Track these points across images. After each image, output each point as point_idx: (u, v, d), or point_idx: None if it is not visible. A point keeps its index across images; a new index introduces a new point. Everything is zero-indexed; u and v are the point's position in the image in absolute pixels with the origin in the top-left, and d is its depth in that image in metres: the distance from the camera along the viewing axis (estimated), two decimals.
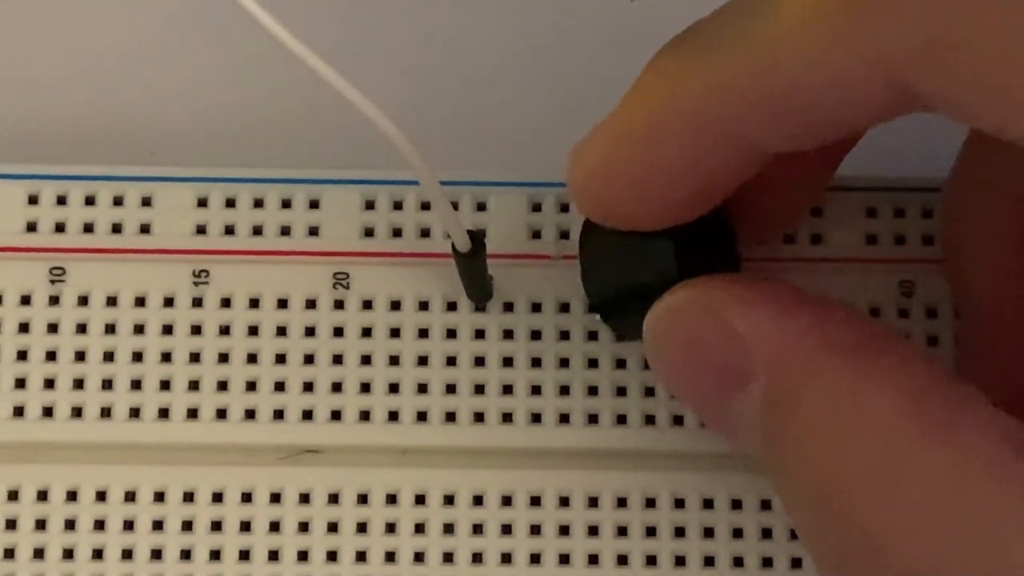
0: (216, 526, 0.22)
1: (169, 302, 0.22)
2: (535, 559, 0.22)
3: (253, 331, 0.22)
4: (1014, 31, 0.15)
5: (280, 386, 0.22)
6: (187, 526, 0.21)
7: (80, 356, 0.22)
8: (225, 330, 0.22)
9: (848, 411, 0.17)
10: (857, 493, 0.17)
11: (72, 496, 0.22)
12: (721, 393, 0.19)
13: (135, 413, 0.22)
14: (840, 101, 0.17)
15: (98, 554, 0.21)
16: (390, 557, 0.21)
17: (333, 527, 0.22)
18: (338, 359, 0.22)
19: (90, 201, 0.22)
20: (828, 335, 0.18)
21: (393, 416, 0.22)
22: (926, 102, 0.16)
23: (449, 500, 0.22)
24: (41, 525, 0.21)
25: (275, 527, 0.22)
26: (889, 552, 0.17)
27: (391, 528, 0.22)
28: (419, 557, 0.21)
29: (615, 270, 0.21)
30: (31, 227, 0.22)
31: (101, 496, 0.22)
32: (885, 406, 0.17)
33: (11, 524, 0.21)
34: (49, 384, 0.22)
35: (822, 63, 0.17)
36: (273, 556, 0.21)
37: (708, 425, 0.21)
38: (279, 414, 0.22)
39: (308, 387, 0.22)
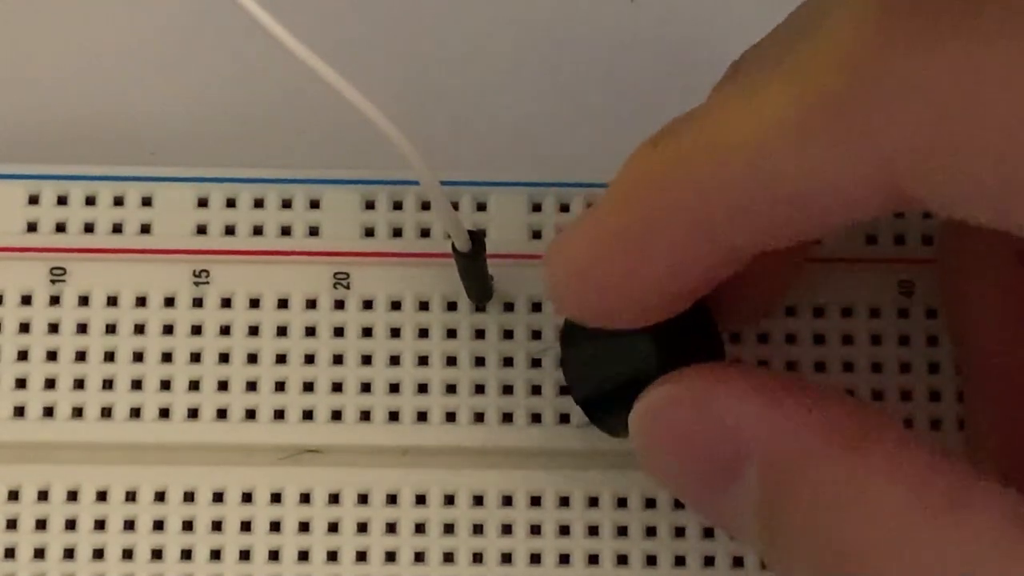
0: (216, 526, 0.22)
1: (169, 302, 0.22)
2: (535, 559, 0.22)
3: (253, 331, 0.22)
4: (1015, 134, 0.15)
5: (280, 386, 0.22)
6: (187, 526, 0.21)
7: (81, 356, 0.22)
8: (225, 330, 0.22)
9: (849, 501, 0.17)
10: None
11: (72, 496, 0.22)
12: (713, 486, 0.19)
13: (135, 413, 0.22)
14: (833, 205, 0.17)
15: (98, 554, 0.21)
16: (390, 557, 0.21)
17: (333, 527, 0.22)
18: (338, 359, 0.22)
19: (90, 201, 0.22)
20: (821, 424, 0.18)
21: (393, 416, 0.22)
22: (919, 203, 0.16)
23: (449, 500, 0.22)
24: (41, 525, 0.21)
25: (275, 527, 0.22)
26: None
27: (391, 528, 0.22)
28: (419, 557, 0.21)
29: (596, 368, 0.20)
30: (31, 227, 0.22)
31: (101, 496, 0.22)
32: (886, 494, 0.17)
33: (11, 524, 0.21)
34: (49, 384, 0.22)
35: (814, 168, 0.16)
36: (273, 556, 0.21)
37: (703, 516, 0.21)
38: (279, 414, 0.22)
39: (308, 387, 0.22)
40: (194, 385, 0.22)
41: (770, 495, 0.18)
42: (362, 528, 0.22)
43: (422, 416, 0.22)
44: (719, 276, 0.18)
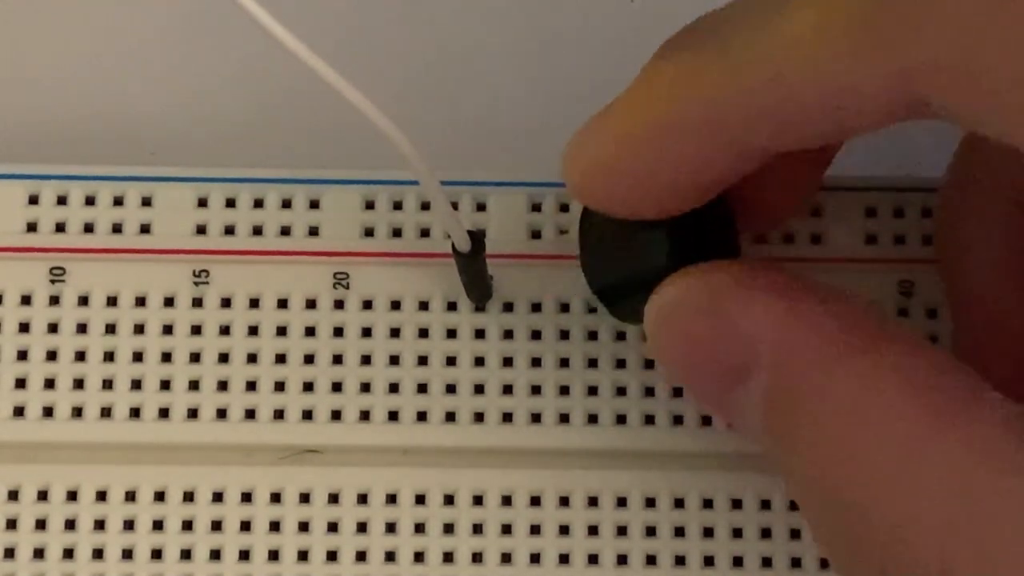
0: (216, 526, 0.22)
1: (169, 302, 0.22)
2: (535, 559, 0.22)
3: (253, 331, 0.22)
4: None
5: (280, 386, 0.22)
6: (187, 526, 0.21)
7: (80, 356, 0.22)
8: (225, 330, 0.22)
9: (857, 406, 0.17)
10: (872, 486, 0.17)
11: (72, 496, 0.22)
12: (723, 385, 0.19)
13: (135, 413, 0.22)
14: (851, 111, 0.17)
15: (98, 554, 0.21)
16: (390, 557, 0.21)
17: (333, 527, 0.22)
18: (338, 359, 0.22)
19: (90, 201, 0.22)
20: (832, 329, 0.18)
21: (393, 416, 0.22)
22: (938, 113, 0.16)
23: (449, 500, 0.22)
24: (41, 525, 0.21)
25: (275, 527, 0.22)
26: (903, 543, 0.17)
27: (391, 528, 0.22)
28: (419, 557, 0.21)
29: (612, 257, 0.21)
30: (31, 227, 0.22)
31: (101, 496, 0.22)
32: (895, 401, 0.17)
33: (11, 524, 0.21)
34: (49, 384, 0.22)
35: (835, 74, 0.17)
36: (273, 556, 0.21)
37: (711, 413, 0.21)
38: (279, 414, 0.22)
39: (308, 387, 0.22)
40: (194, 385, 0.22)
41: (779, 396, 0.18)
42: (362, 528, 0.22)
43: (422, 416, 0.22)
44: (741, 171, 0.19)
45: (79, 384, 0.22)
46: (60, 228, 0.22)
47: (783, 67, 0.17)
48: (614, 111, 0.19)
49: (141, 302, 0.22)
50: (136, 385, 0.22)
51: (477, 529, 0.22)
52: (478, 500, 0.22)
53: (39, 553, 0.21)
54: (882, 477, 0.17)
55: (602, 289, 0.21)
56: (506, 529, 0.22)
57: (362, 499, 0.22)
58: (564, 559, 0.22)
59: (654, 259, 0.20)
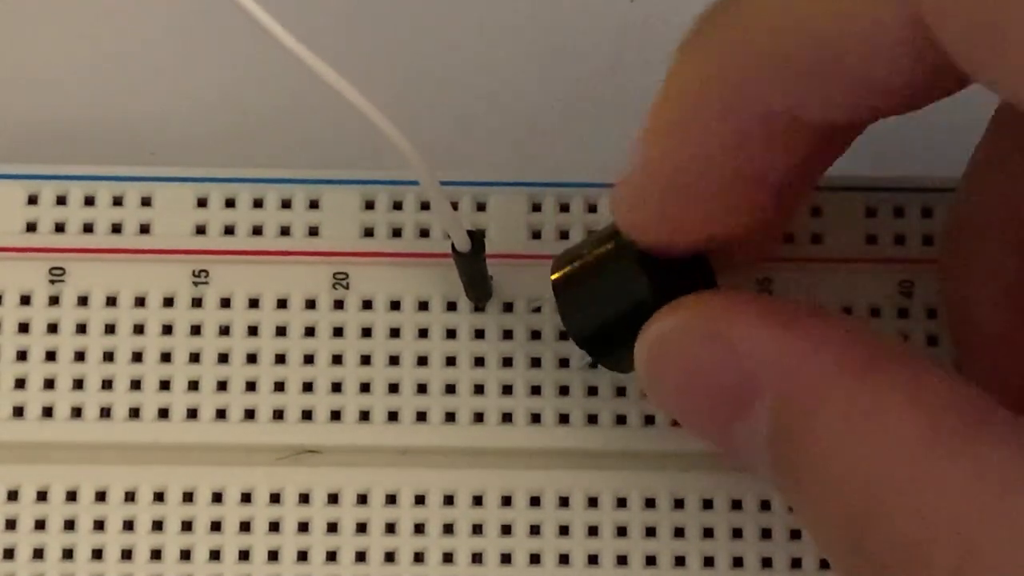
0: (216, 526, 0.22)
1: (169, 302, 0.22)
2: (535, 559, 0.22)
3: (253, 331, 0.22)
4: None
5: (280, 386, 0.22)
6: (187, 526, 0.21)
7: (80, 356, 0.22)
8: (225, 330, 0.22)
9: (866, 430, 0.17)
10: (884, 513, 0.17)
11: (72, 496, 0.22)
12: (725, 418, 0.18)
13: (135, 413, 0.22)
14: (864, 55, 0.17)
15: (98, 554, 0.21)
16: (389, 557, 0.21)
17: (333, 527, 0.22)
18: (338, 359, 0.22)
19: (90, 201, 0.22)
20: (836, 352, 0.18)
21: (393, 416, 0.22)
22: (946, 54, 0.16)
23: (449, 500, 0.22)
24: (41, 525, 0.21)
25: (275, 527, 0.22)
26: (920, 568, 0.16)
27: (391, 528, 0.22)
28: (419, 557, 0.21)
29: (593, 307, 0.20)
30: (31, 227, 0.22)
31: (101, 496, 0.22)
32: (903, 423, 0.17)
33: (11, 524, 0.21)
34: (49, 384, 0.22)
35: (843, 17, 0.16)
36: (273, 556, 0.21)
37: (713, 447, 0.21)
38: (279, 414, 0.22)
39: (308, 387, 0.22)
40: (193, 385, 0.22)
41: (783, 424, 0.18)
42: (361, 528, 0.22)
43: (421, 416, 0.22)
44: (781, 161, 0.18)
45: (79, 384, 0.22)
46: (60, 228, 0.22)
47: (793, 13, 0.17)
48: (644, 131, 0.19)
49: (141, 302, 0.22)
50: (136, 385, 0.22)
51: (477, 530, 0.22)
52: (477, 500, 0.22)
53: (39, 553, 0.21)
54: (894, 503, 0.17)
55: (589, 339, 0.21)
56: (506, 530, 0.22)
57: (362, 499, 0.22)
58: (564, 559, 0.22)
59: (638, 298, 0.19)
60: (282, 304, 0.22)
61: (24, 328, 0.22)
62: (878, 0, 0.16)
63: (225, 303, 0.22)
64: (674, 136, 0.18)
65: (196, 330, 0.22)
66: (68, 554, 0.21)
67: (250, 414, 0.22)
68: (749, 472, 0.19)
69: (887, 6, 0.16)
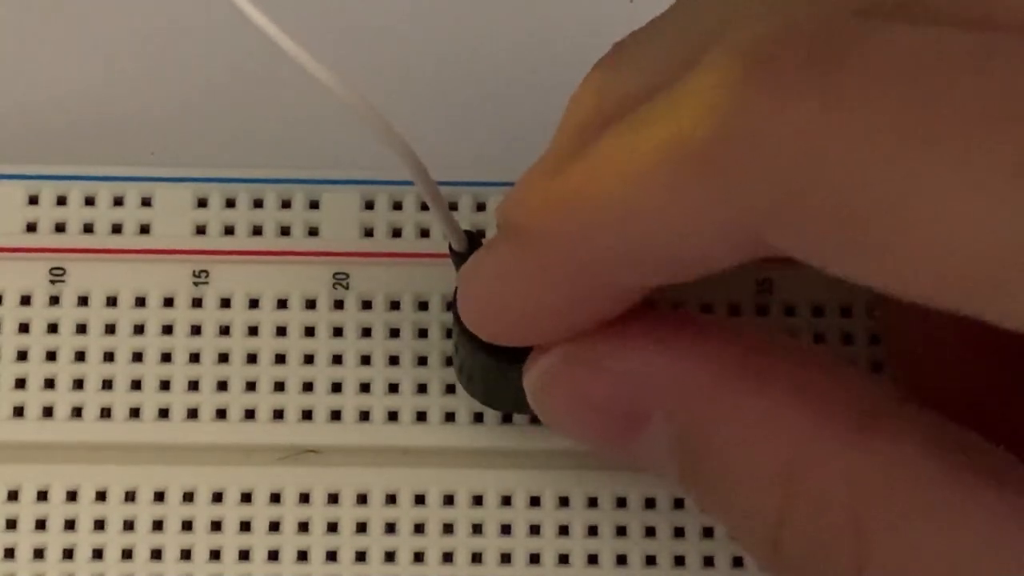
0: (216, 526, 0.22)
1: (169, 302, 0.22)
2: (534, 559, 0.21)
3: (252, 331, 0.22)
4: (859, 184, 0.15)
5: (279, 386, 0.22)
6: (187, 526, 0.21)
7: (80, 356, 0.22)
8: (225, 330, 0.22)
9: (759, 435, 0.17)
10: (797, 506, 0.17)
11: (72, 496, 0.22)
12: (621, 438, 0.19)
13: (135, 413, 0.22)
14: (700, 259, 0.17)
15: (98, 554, 0.21)
16: (389, 557, 0.21)
17: (332, 527, 0.22)
18: (337, 359, 0.22)
19: (90, 201, 0.22)
20: (717, 363, 0.18)
21: (392, 416, 0.22)
22: (782, 253, 0.16)
23: (448, 500, 0.22)
24: (41, 525, 0.21)
25: (275, 527, 0.22)
26: (832, 562, 0.17)
27: (390, 528, 0.22)
28: (418, 557, 0.21)
29: (467, 374, 0.21)
30: (31, 227, 0.22)
31: (101, 496, 0.22)
32: (792, 423, 0.17)
33: (11, 524, 0.21)
34: (49, 384, 0.22)
35: (680, 225, 0.16)
36: (273, 556, 0.21)
37: (621, 464, 0.21)
38: (278, 414, 0.22)
39: (307, 387, 0.22)
40: (193, 385, 0.22)
41: (680, 439, 0.18)
42: (361, 528, 0.22)
43: (421, 416, 0.22)
44: (613, 310, 0.18)
45: (79, 384, 0.22)
46: (60, 228, 0.22)
47: (636, 205, 0.17)
48: (497, 241, 0.19)
49: (140, 302, 0.22)
50: (135, 385, 0.22)
51: (476, 529, 0.22)
52: (477, 500, 0.22)
53: (39, 553, 0.21)
54: (797, 502, 0.17)
55: (486, 403, 0.22)
56: (505, 529, 0.22)
57: (361, 499, 0.22)
58: (563, 559, 0.21)
59: (491, 367, 0.20)
60: (282, 304, 0.22)
61: (24, 328, 0.22)
62: (710, 220, 0.16)
63: (225, 303, 0.22)
64: (518, 280, 0.18)
65: (196, 330, 0.22)
66: (68, 554, 0.21)
67: (250, 414, 0.22)
68: (663, 480, 0.19)
69: (719, 227, 0.16)
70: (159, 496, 0.22)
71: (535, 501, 0.22)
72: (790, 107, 0.15)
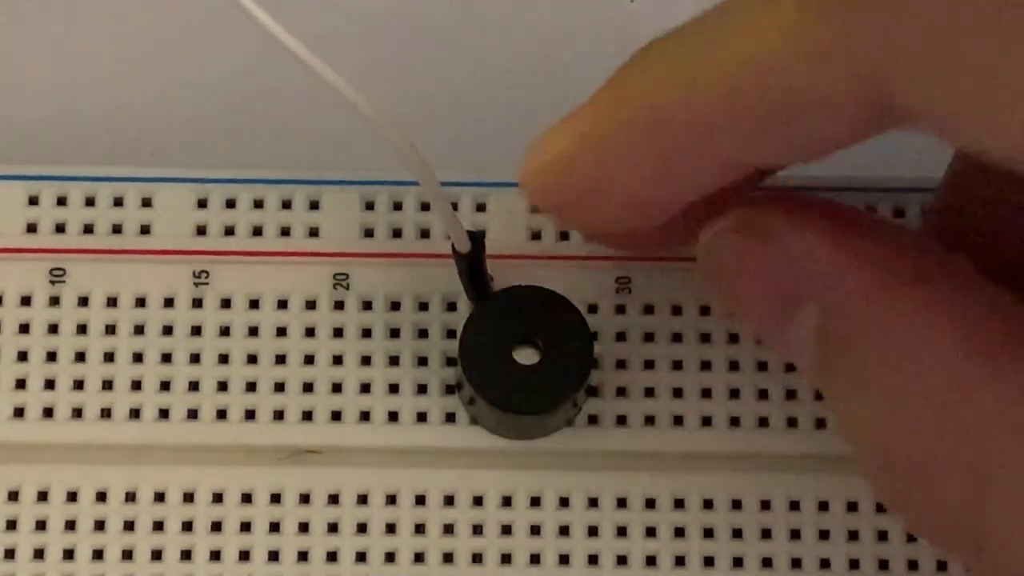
0: (216, 526, 0.22)
1: (169, 303, 0.22)
2: (535, 559, 0.22)
3: (253, 332, 0.22)
4: (999, 49, 0.15)
5: (280, 387, 0.22)
6: (187, 527, 0.21)
7: (80, 357, 0.22)
8: (225, 331, 0.22)
9: (907, 345, 0.17)
10: (923, 425, 0.17)
11: (72, 497, 0.22)
12: (775, 314, 0.19)
13: (135, 414, 0.22)
14: (821, 118, 0.17)
15: (98, 555, 0.21)
16: (390, 558, 0.21)
17: (333, 527, 0.22)
18: (338, 359, 0.22)
19: (90, 202, 0.22)
20: (883, 263, 0.18)
21: (393, 416, 0.22)
22: (907, 116, 0.16)
23: (449, 501, 0.22)
24: (41, 525, 0.21)
25: (275, 528, 0.22)
26: (946, 483, 0.17)
27: (391, 529, 0.22)
28: (419, 558, 0.21)
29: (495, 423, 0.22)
30: (31, 228, 0.22)
31: (101, 497, 0.22)
32: (942, 338, 0.17)
33: (11, 524, 0.21)
34: (49, 385, 0.22)
35: (805, 80, 0.16)
36: (273, 556, 0.21)
37: (765, 341, 0.21)
38: (279, 415, 0.22)
39: (308, 388, 0.22)
40: (193, 386, 0.22)
41: (828, 331, 0.18)
42: (361, 529, 0.22)
43: (421, 416, 0.22)
44: (707, 187, 0.18)
45: (79, 385, 0.22)
46: (60, 229, 0.22)
47: (750, 74, 0.17)
48: (579, 112, 0.19)
49: (141, 303, 0.22)
50: (136, 386, 0.22)
51: (477, 530, 0.22)
52: (478, 501, 0.22)
53: (39, 554, 0.21)
54: (927, 419, 0.17)
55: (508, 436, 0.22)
56: (506, 530, 0.22)
57: (362, 500, 0.22)
58: (564, 560, 0.22)
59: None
60: (282, 305, 0.22)
61: (24, 329, 0.22)
62: (837, 74, 0.16)
63: (225, 304, 0.22)
64: (602, 142, 0.18)
65: (196, 331, 0.22)
66: (68, 554, 0.21)
67: (250, 415, 0.22)
68: (802, 373, 0.19)
69: (842, 76, 0.16)
70: (159, 497, 0.22)
71: (535, 502, 0.22)
72: None
